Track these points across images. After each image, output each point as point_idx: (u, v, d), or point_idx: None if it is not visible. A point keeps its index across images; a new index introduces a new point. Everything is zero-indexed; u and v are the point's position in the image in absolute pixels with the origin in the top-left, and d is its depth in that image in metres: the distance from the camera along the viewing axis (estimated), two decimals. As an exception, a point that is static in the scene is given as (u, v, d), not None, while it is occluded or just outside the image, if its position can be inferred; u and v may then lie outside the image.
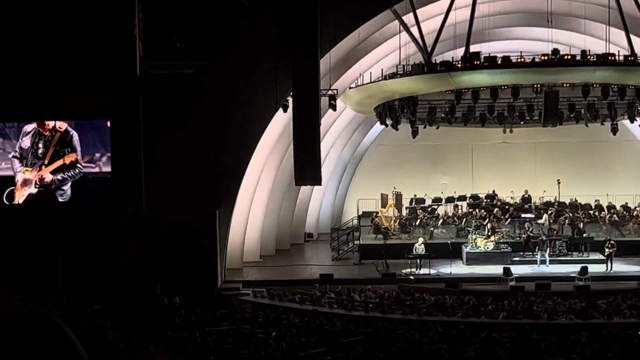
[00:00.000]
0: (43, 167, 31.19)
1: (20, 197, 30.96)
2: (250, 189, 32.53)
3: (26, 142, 31.29)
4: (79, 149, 30.41)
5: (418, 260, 32.45)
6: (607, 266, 31.79)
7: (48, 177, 30.96)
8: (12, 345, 1.87)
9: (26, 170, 31.29)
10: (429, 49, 30.97)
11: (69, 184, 30.13)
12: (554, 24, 34.50)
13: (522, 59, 30.40)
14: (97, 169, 30.34)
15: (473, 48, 31.30)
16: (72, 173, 30.66)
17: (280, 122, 31.74)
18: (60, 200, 30.31)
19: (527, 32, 37.90)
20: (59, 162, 31.38)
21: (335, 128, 38.53)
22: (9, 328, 1.90)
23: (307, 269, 33.68)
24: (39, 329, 1.93)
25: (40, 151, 31.24)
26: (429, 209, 38.69)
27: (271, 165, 34.09)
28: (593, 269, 30.88)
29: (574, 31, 35.83)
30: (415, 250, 32.78)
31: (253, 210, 33.71)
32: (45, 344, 1.91)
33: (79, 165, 30.49)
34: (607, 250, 31.97)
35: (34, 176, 30.80)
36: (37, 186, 30.56)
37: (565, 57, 29.64)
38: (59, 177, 30.80)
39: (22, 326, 1.91)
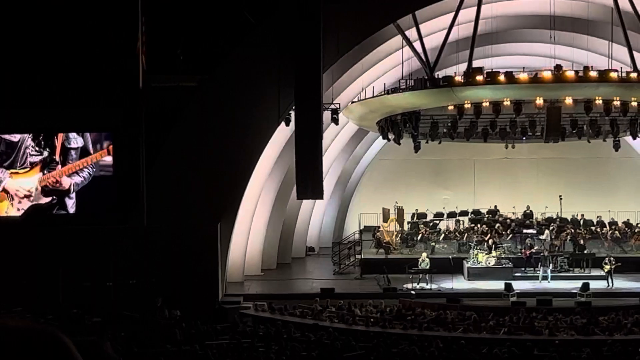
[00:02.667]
0: (58, 167, 27.88)
1: (6, 210, 28.17)
2: (252, 202, 32.51)
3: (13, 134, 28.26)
4: (90, 142, 28.22)
5: (427, 276, 32.36)
6: (608, 283, 31.74)
7: (65, 182, 28.27)
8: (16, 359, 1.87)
9: (14, 173, 28.15)
10: (432, 64, 31.02)
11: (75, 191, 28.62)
12: (557, 39, 34.59)
13: (523, 69, 30.57)
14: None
15: (476, 63, 31.37)
16: (87, 173, 27.93)
17: (283, 136, 31.75)
18: (70, 211, 28.39)
19: (531, 48, 37.94)
20: (96, 157, 27.60)
21: (338, 142, 38.55)
22: (14, 342, 1.90)
23: (308, 283, 33.64)
24: (43, 344, 1.93)
25: (41, 145, 27.88)
26: (431, 224, 38.67)
27: (273, 178, 34.08)
28: (594, 285, 30.82)
29: (577, 47, 35.86)
30: (420, 265, 32.74)
31: (255, 223, 33.68)
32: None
33: (88, 166, 28.20)
34: (606, 267, 31.93)
35: (42, 180, 27.91)
36: (48, 193, 28.14)
37: (567, 72, 29.66)
38: (76, 180, 28.19)
39: (27, 341, 1.91)
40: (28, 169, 28.60)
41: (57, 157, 28.34)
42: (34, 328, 1.90)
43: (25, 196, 28.66)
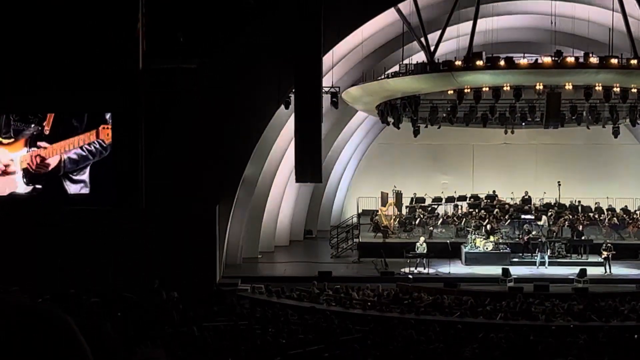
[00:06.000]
0: (41, 134, 24.54)
1: None
2: (250, 185, 32.50)
3: None
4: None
5: (424, 260, 32.39)
6: (605, 269, 31.77)
7: (54, 161, 26.11)
8: (17, 336, 1.87)
9: None
10: (432, 48, 30.96)
11: (88, 168, 26.96)
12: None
13: (524, 56, 30.61)
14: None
15: (476, 43, 31.27)
16: (96, 146, 25.78)
17: (282, 119, 31.73)
18: (70, 192, 26.56)
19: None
20: (94, 135, 25.00)
21: (337, 125, 38.50)
22: (16, 319, 1.91)
23: (305, 266, 33.67)
24: (46, 322, 1.94)
25: (28, 121, 25.67)
26: (429, 209, 38.68)
27: (272, 161, 34.05)
28: (592, 271, 30.88)
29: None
30: (417, 249, 32.77)
31: (253, 206, 33.68)
32: (51, 338, 1.91)
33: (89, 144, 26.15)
34: (604, 253, 31.94)
35: (30, 158, 25.86)
36: (32, 174, 26.45)
37: (567, 58, 29.64)
38: (72, 154, 25.96)
39: (29, 318, 1.92)
40: (12, 140, 26.60)
41: (46, 130, 26.18)
42: (36, 306, 1.91)
43: (4, 172, 26.54)
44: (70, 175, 27.03)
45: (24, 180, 26.28)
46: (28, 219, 27.69)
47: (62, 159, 26.39)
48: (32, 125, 26.31)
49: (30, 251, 27.94)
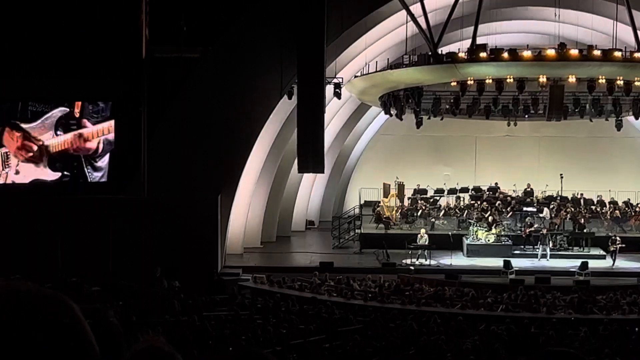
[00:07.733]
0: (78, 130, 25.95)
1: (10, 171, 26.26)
2: (253, 174, 32.51)
3: None
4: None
5: (426, 252, 32.38)
6: (612, 260, 31.77)
7: (93, 143, 26.04)
8: (22, 321, 1.87)
9: (15, 126, 25.68)
10: (436, 40, 30.92)
11: (107, 155, 26.64)
12: (562, 18, 34.45)
13: (527, 48, 30.55)
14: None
15: (480, 39, 31.26)
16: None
17: (285, 109, 31.70)
18: (92, 181, 26.46)
19: (535, 26, 37.78)
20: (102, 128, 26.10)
21: (340, 116, 38.48)
22: (25, 305, 1.91)
23: (307, 257, 33.70)
24: (54, 309, 1.94)
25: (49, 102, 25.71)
26: (431, 200, 38.67)
27: (274, 151, 34.05)
28: (593, 264, 30.87)
29: (581, 26, 35.73)
30: (419, 240, 32.77)
31: (255, 196, 33.69)
32: (55, 324, 1.91)
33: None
34: (611, 247, 31.90)
35: (72, 138, 26.12)
36: (58, 159, 26.62)
37: (571, 50, 29.61)
38: (110, 136, 25.86)
39: (38, 304, 1.92)
40: (34, 123, 26.37)
41: (76, 113, 25.96)
42: (41, 291, 1.91)
43: (31, 158, 26.50)
44: (93, 162, 26.65)
45: (50, 166, 26.10)
46: (30, 207, 27.71)
47: (101, 141, 26.20)
48: (59, 108, 25.94)
49: (31, 239, 27.94)
